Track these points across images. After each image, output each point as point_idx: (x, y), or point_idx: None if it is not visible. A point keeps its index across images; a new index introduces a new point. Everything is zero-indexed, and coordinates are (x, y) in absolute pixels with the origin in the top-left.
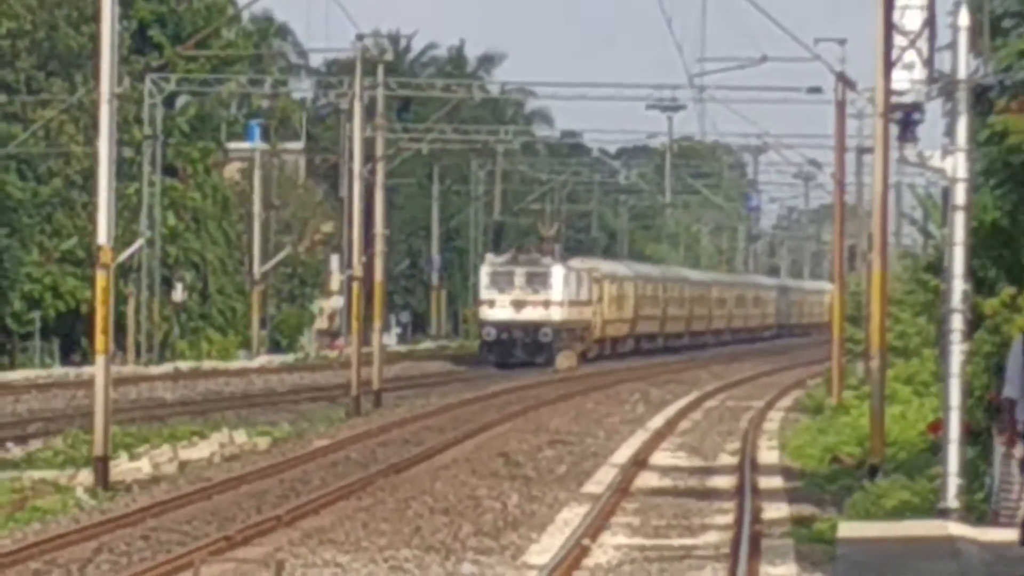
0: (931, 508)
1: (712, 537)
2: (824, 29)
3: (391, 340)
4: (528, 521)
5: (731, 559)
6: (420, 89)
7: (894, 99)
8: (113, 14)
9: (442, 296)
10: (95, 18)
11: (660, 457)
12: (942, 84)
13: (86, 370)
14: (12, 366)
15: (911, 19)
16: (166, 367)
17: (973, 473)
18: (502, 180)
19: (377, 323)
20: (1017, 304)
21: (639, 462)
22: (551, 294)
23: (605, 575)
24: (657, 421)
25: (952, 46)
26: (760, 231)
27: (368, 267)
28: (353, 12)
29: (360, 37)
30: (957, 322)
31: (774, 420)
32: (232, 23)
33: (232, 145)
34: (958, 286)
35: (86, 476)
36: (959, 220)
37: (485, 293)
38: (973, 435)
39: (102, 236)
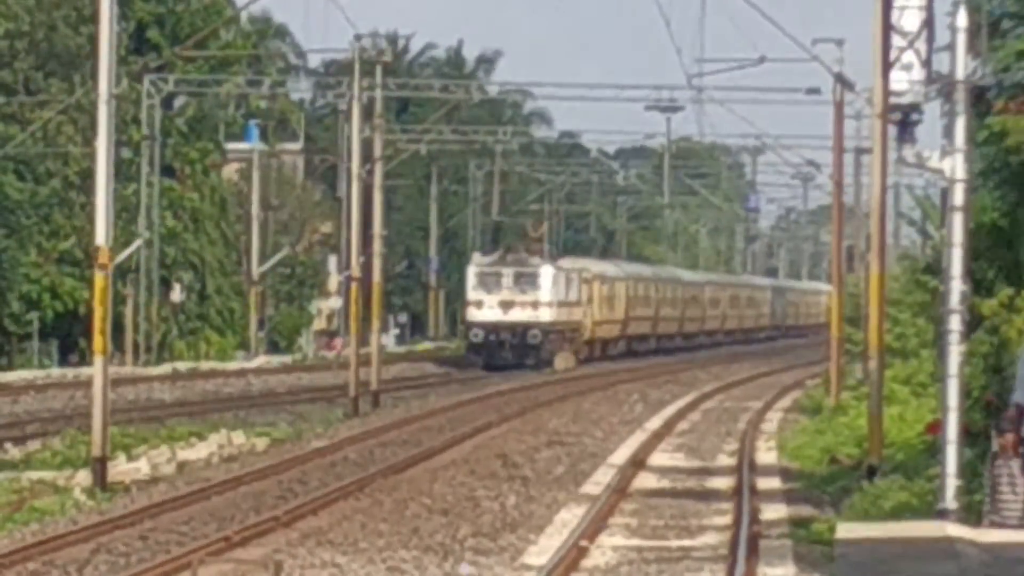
0: (929, 509)
1: (710, 538)
2: (822, 30)
3: (389, 341)
4: (526, 522)
5: (729, 560)
6: (418, 90)
7: (892, 100)
8: (111, 15)
9: (440, 297)
10: (93, 19)
11: (658, 458)
12: (940, 85)
13: (84, 371)
14: (10, 367)
15: (909, 20)
16: (164, 368)
17: (971, 474)
18: (500, 181)
19: (375, 324)
20: (1015, 305)
21: (637, 463)
22: (540, 295)
23: None
24: (655, 422)
25: (950, 47)
26: (758, 232)
27: (366, 268)
28: (351, 13)
29: (358, 38)
30: (955, 323)
31: (772, 421)
32: (230, 24)
33: (230, 146)
34: (956, 287)
35: (84, 477)
36: (957, 221)
37: (472, 294)
38: (971, 436)
39: (100, 237)
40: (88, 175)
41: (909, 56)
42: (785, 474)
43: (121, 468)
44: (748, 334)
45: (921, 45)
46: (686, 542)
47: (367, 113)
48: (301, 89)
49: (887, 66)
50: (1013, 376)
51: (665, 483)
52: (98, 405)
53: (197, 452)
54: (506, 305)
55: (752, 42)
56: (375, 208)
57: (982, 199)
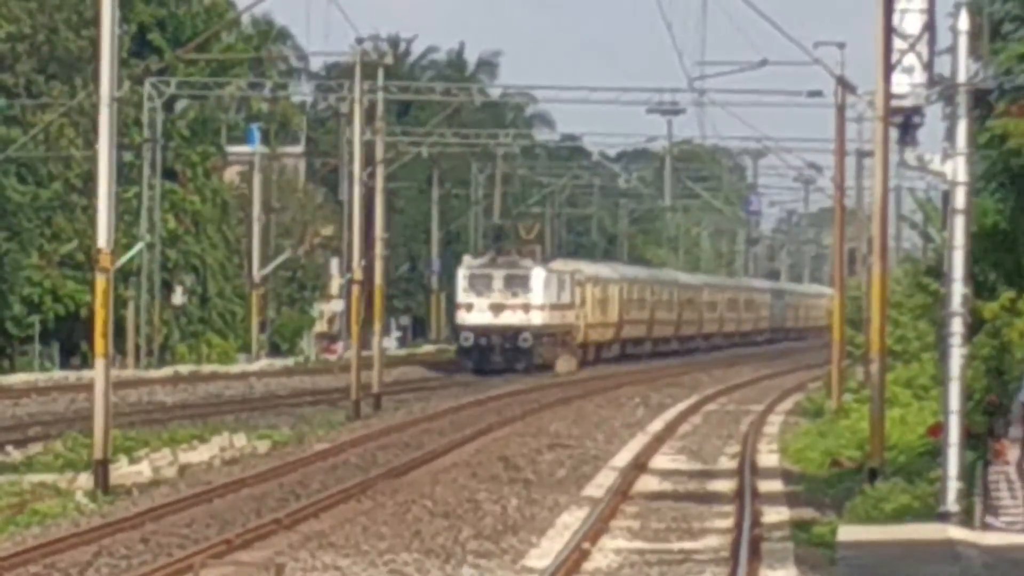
0: (931, 512)
1: (712, 541)
2: (824, 33)
3: (391, 344)
4: (528, 525)
5: (731, 563)
6: (420, 93)
7: (894, 103)
8: (113, 18)
9: (442, 300)
10: (95, 22)
11: (660, 461)
12: (942, 88)
13: (86, 373)
14: (12, 369)
15: (911, 23)
16: (166, 371)
17: (973, 477)
18: (502, 183)
19: (377, 327)
20: (1017, 308)
21: (639, 466)
22: (531, 297)
23: None
24: (657, 425)
25: (952, 50)
26: (760, 235)
27: (368, 271)
28: (353, 16)
29: (360, 41)
30: (957, 326)
31: (774, 424)
32: (232, 27)
33: (232, 149)
34: (958, 290)
35: (86, 480)
36: (959, 224)
37: (462, 296)
38: (973, 439)
39: (102, 240)
40: (89, 178)
41: (911, 59)
42: (787, 477)
43: (123, 471)
44: (746, 337)
45: (923, 48)
46: (688, 545)
47: (369, 116)
48: (303, 92)
49: (889, 69)
50: (1015, 379)
51: (667, 486)
52: (100, 408)
53: (199, 455)
54: (497, 308)
55: (753, 45)
56: (377, 211)
57: (984, 202)
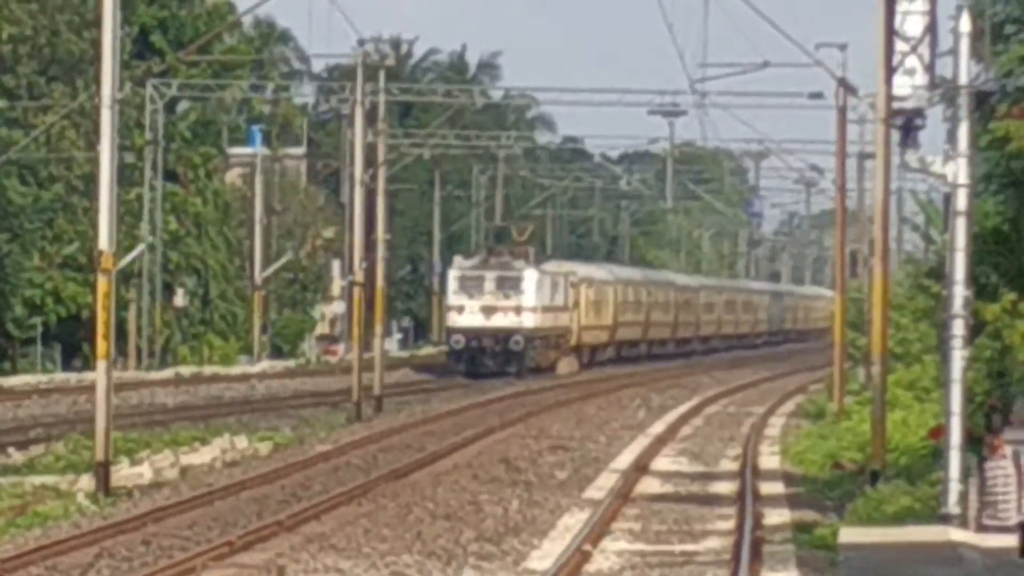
0: (932, 514)
1: (713, 543)
2: (825, 34)
3: (392, 346)
4: (529, 527)
5: (732, 565)
6: (421, 94)
7: (896, 104)
8: (115, 19)
9: (443, 302)
10: (96, 23)
11: (661, 463)
12: (943, 90)
13: (87, 375)
14: (14, 371)
15: (912, 25)
16: (167, 372)
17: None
18: (504, 185)
19: (378, 328)
20: (1018, 310)
21: (640, 468)
22: (523, 299)
23: None
24: (658, 427)
25: (953, 52)
26: (762, 236)
27: (369, 272)
28: (355, 17)
29: (362, 42)
30: (958, 328)
31: (775, 426)
32: (233, 28)
33: (233, 150)
34: (959, 292)
35: (87, 481)
36: (961, 226)
37: (453, 298)
38: (974, 441)
39: (103, 241)
40: (91, 179)
41: (912, 61)
42: (788, 479)
43: (124, 473)
44: (744, 340)
45: (924, 50)
46: (689, 547)
47: (370, 118)
48: (304, 94)
49: (890, 71)
50: (1016, 381)
51: (668, 488)
52: (101, 410)
53: (200, 457)
54: (488, 310)
55: (755, 47)
56: (378, 213)
57: (985, 204)
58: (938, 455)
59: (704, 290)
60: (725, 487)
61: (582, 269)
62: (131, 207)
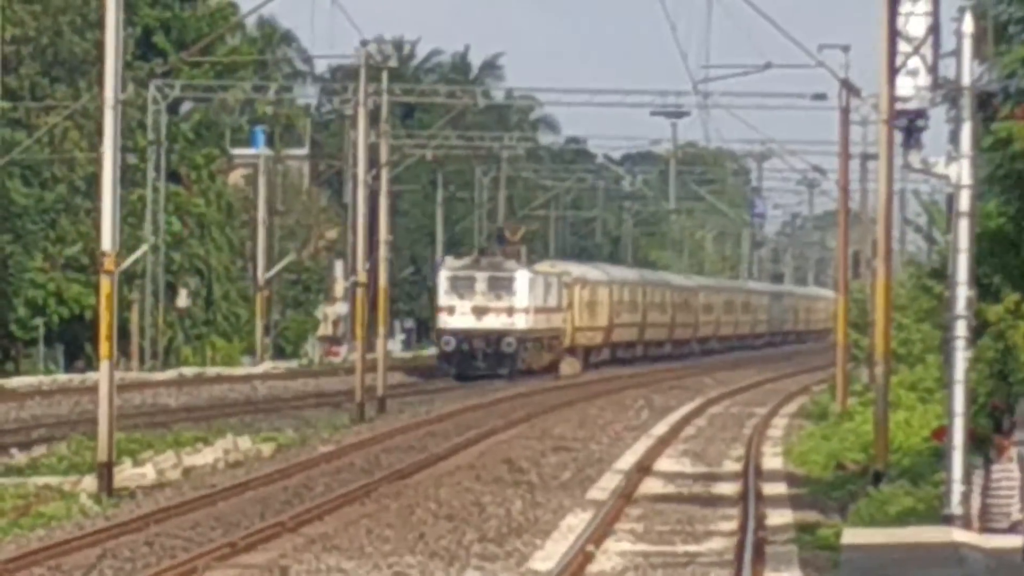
0: (935, 514)
1: (716, 543)
2: (828, 36)
3: (395, 346)
4: (532, 527)
5: (735, 566)
6: (424, 95)
7: (898, 105)
8: (117, 20)
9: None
10: (99, 24)
11: (664, 463)
12: (946, 90)
13: (90, 376)
14: (16, 372)
15: (915, 26)
16: (170, 373)
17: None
18: (506, 186)
19: (381, 329)
20: (1021, 311)
21: (643, 468)
22: (515, 300)
23: None
24: (661, 427)
25: (956, 52)
26: (764, 237)
27: (372, 273)
28: (357, 18)
29: (364, 43)
30: (961, 328)
31: (778, 426)
32: (236, 29)
33: (236, 151)
34: (962, 292)
35: (90, 482)
36: (963, 226)
37: (444, 299)
38: (977, 442)
39: (106, 242)
40: (94, 180)
41: (915, 62)
42: (791, 480)
43: (127, 473)
44: (744, 341)
45: (927, 51)
46: (692, 547)
47: (373, 119)
48: (307, 95)
49: (893, 72)
50: (1020, 381)
51: (671, 488)
52: (104, 410)
53: (203, 457)
54: (479, 311)
55: (758, 48)
56: (381, 214)
57: (988, 205)
58: (941, 456)
59: (702, 291)
60: (728, 488)
61: (576, 269)
62: (134, 208)
